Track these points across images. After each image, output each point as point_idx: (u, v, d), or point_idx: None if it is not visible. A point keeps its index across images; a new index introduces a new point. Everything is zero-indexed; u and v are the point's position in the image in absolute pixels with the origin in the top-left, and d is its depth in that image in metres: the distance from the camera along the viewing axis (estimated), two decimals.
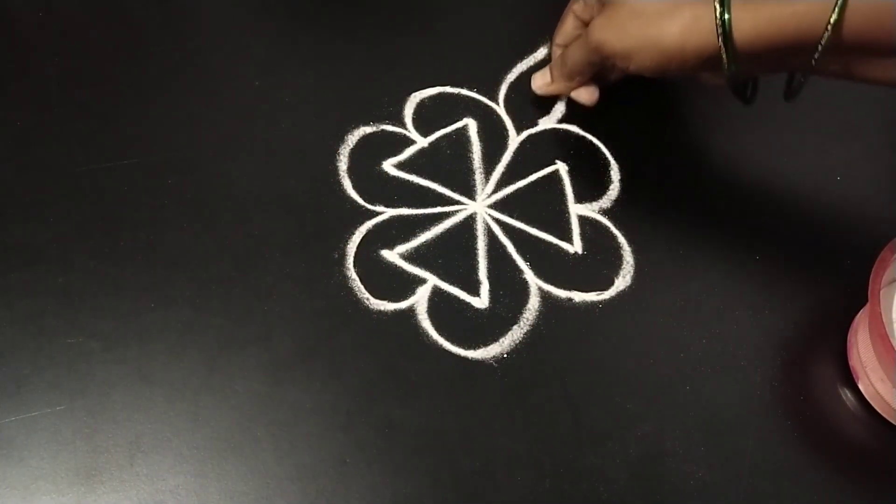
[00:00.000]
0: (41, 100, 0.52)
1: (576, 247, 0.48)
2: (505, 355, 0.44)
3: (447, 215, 0.49)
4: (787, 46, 0.39)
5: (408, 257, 0.47)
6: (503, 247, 0.48)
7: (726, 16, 0.39)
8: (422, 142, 0.51)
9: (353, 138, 0.51)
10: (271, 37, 0.56)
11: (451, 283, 0.46)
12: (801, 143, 0.53)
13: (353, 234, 0.48)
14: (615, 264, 0.48)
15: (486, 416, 0.43)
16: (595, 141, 0.52)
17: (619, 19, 0.43)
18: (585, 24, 0.48)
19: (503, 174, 0.51)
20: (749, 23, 0.39)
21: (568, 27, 0.50)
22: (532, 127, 0.52)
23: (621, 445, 0.42)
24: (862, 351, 0.43)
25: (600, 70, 0.49)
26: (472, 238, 0.48)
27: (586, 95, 0.51)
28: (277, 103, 0.52)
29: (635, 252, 0.48)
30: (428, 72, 0.54)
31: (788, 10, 0.38)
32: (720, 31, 0.39)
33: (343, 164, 0.50)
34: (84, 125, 0.51)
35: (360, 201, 0.49)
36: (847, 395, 0.44)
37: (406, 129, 0.52)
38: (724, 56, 0.40)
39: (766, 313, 0.46)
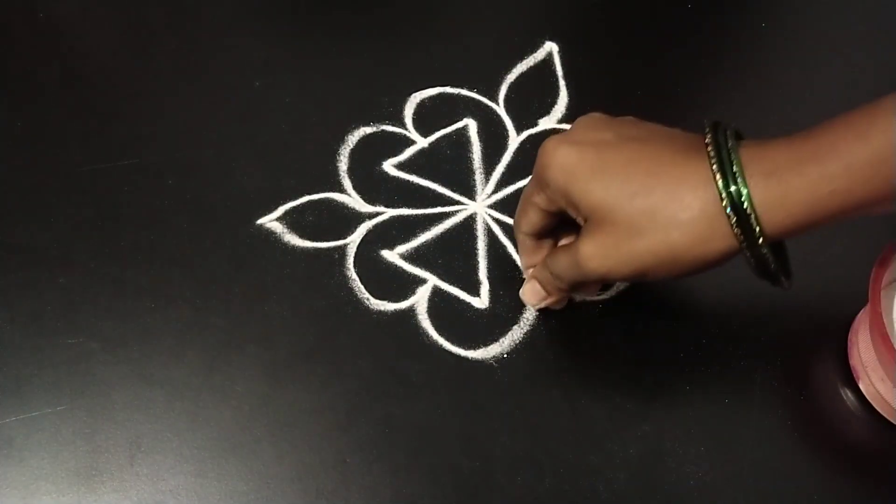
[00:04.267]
0: (41, 100, 0.52)
1: None
2: (505, 355, 0.44)
3: (447, 215, 0.49)
4: (828, 220, 0.34)
5: (408, 257, 0.47)
6: (503, 247, 0.48)
7: (754, 225, 0.33)
8: (422, 142, 0.51)
9: (353, 138, 0.51)
10: (271, 37, 0.56)
11: (451, 283, 0.46)
12: None
13: (353, 234, 0.48)
14: None
15: (486, 416, 0.43)
16: None
17: (615, 242, 0.36)
18: (551, 213, 0.40)
19: (503, 174, 0.51)
20: (779, 215, 0.33)
21: (533, 218, 0.41)
22: (532, 127, 0.52)
23: (621, 445, 0.42)
24: (863, 351, 0.43)
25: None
26: (472, 238, 0.48)
27: (559, 303, 0.45)
28: (277, 103, 0.52)
29: None
30: (428, 72, 0.54)
31: (825, 189, 0.32)
32: (741, 238, 0.34)
33: (343, 164, 0.50)
34: (84, 125, 0.51)
35: (361, 201, 0.49)
36: (847, 394, 0.44)
37: (406, 129, 0.52)
38: (749, 255, 0.35)
39: (767, 313, 0.46)
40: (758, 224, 0.33)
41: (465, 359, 0.44)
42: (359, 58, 0.54)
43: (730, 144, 0.34)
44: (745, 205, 0.33)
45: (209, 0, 0.57)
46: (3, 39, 0.55)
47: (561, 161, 0.37)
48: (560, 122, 0.53)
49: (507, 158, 0.51)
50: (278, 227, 0.48)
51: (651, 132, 0.38)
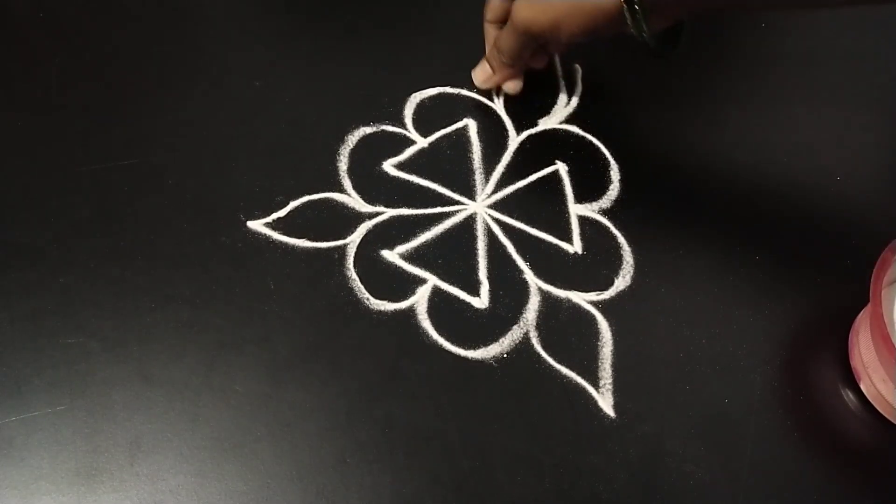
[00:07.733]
0: (41, 100, 0.52)
1: (576, 247, 0.48)
2: (505, 355, 0.44)
3: (447, 215, 0.49)
4: None
5: (408, 257, 0.47)
6: (503, 247, 0.48)
7: None
8: (422, 142, 0.51)
9: (353, 138, 0.51)
10: (271, 37, 0.56)
11: (451, 283, 0.46)
12: (802, 143, 0.52)
13: (353, 233, 0.48)
14: (615, 264, 0.48)
15: (486, 416, 0.43)
16: (595, 141, 0.52)
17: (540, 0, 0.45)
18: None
19: (503, 174, 0.51)
20: None
21: (495, 3, 0.51)
22: (532, 127, 0.52)
23: (621, 445, 0.42)
24: (863, 351, 0.43)
25: (537, 50, 0.50)
26: (472, 238, 0.48)
27: (512, 86, 0.52)
28: (277, 103, 0.52)
29: (635, 252, 0.48)
30: (428, 72, 0.54)
31: None
32: None
33: (343, 164, 0.50)
34: (84, 125, 0.51)
35: (361, 201, 0.49)
36: (848, 395, 0.44)
37: (406, 129, 0.52)
38: (626, 12, 0.42)
39: (766, 313, 0.46)
40: None
41: (465, 359, 0.44)
42: (359, 58, 0.54)
43: None
44: None
45: (209, 0, 0.57)
46: (3, 39, 0.55)
47: None
48: (560, 122, 0.53)
49: (506, 158, 0.51)
50: (278, 228, 0.48)
51: None
